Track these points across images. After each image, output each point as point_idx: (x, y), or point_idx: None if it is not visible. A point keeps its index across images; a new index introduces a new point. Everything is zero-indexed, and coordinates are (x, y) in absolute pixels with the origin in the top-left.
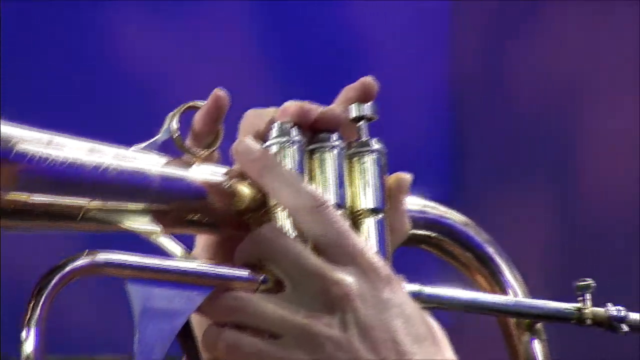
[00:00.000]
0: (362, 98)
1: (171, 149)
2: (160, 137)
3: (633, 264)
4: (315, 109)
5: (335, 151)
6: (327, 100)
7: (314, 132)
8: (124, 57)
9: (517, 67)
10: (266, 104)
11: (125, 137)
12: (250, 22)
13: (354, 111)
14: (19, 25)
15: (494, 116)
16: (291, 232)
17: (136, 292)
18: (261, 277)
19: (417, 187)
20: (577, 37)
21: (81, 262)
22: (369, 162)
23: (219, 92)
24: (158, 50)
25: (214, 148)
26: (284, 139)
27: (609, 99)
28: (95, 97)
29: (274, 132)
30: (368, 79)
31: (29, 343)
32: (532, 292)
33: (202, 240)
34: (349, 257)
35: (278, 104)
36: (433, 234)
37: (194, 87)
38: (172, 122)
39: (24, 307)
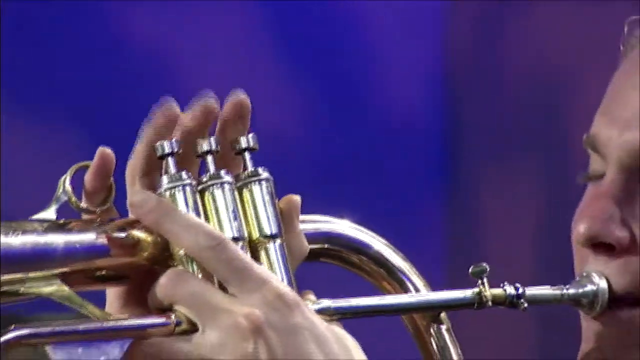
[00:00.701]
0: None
1: (69, 210)
2: (55, 201)
3: None
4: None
5: (226, 186)
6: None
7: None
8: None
9: (511, 54)
10: (267, 98)
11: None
12: (251, 20)
13: (240, 143)
14: (20, 18)
15: (487, 103)
16: (196, 273)
17: (60, 356)
18: (175, 320)
19: (414, 176)
20: (569, 24)
21: (4, 338)
22: (259, 192)
23: (104, 150)
24: (163, 48)
25: (109, 203)
26: (176, 184)
27: (600, 84)
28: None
29: (165, 179)
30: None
31: None
32: (524, 275)
33: (113, 293)
34: (253, 288)
35: (278, 99)
36: (330, 246)
37: (202, 84)
38: (66, 185)
39: None
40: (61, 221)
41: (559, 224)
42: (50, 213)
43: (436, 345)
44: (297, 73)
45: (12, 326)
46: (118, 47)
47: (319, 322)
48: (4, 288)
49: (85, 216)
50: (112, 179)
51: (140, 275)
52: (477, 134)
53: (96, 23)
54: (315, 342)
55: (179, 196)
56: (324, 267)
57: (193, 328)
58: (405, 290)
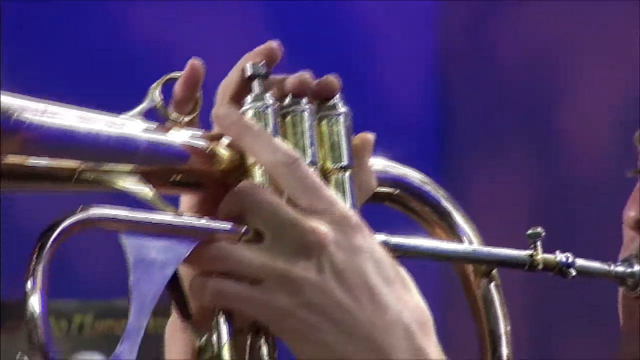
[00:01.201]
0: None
1: (155, 117)
2: (144, 106)
3: (607, 222)
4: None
5: (306, 114)
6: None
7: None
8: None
9: (502, 39)
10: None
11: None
12: (249, 17)
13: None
14: (20, 17)
15: (479, 98)
16: (268, 187)
17: (130, 244)
18: (243, 229)
19: (408, 152)
20: (559, 21)
21: (77, 217)
22: (337, 124)
23: (194, 61)
24: (164, 47)
25: (195, 114)
26: (259, 104)
27: (583, 68)
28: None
29: (249, 97)
30: (272, 44)
31: (34, 297)
32: (511, 245)
33: (186, 200)
34: (322, 208)
35: None
36: (396, 191)
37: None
38: (155, 92)
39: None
40: (147, 123)
41: (550, 216)
42: (136, 116)
43: (483, 299)
44: (294, 69)
45: (80, 207)
46: (119, 47)
47: (379, 247)
48: (88, 175)
49: (169, 123)
50: (200, 92)
51: (214, 186)
52: (469, 129)
53: (96, 22)
54: (374, 264)
55: (261, 115)
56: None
57: (259, 238)
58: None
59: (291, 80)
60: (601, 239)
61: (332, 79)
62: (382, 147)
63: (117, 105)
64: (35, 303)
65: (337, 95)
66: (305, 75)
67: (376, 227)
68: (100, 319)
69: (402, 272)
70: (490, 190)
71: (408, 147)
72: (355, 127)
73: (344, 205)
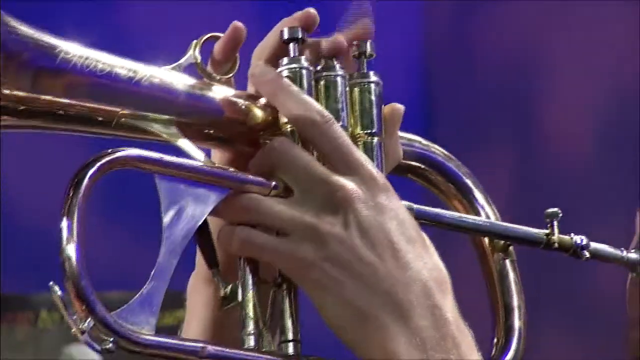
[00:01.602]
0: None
1: (194, 73)
2: (183, 61)
3: (586, 214)
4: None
5: (339, 79)
6: None
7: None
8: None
9: (485, 36)
10: None
11: None
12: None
13: (361, 47)
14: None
15: (461, 81)
16: (300, 145)
17: (163, 186)
18: (273, 183)
19: None
20: (539, 7)
21: (116, 155)
22: (368, 92)
23: (237, 24)
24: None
25: (232, 74)
26: (294, 65)
27: (563, 65)
28: None
29: (285, 59)
30: (310, 10)
31: (68, 233)
32: None
33: (218, 155)
34: (351, 167)
35: None
36: (420, 165)
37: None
38: (195, 50)
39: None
40: (185, 76)
41: (528, 207)
42: (176, 70)
43: (498, 274)
44: None
45: (114, 150)
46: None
47: (403, 209)
48: (127, 121)
49: (207, 80)
50: (238, 53)
51: (246, 143)
52: (453, 124)
53: (93, 21)
54: (397, 223)
55: (297, 76)
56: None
57: (288, 193)
58: None
59: (326, 42)
60: (577, 230)
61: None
62: None
63: None
64: (71, 244)
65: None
66: (340, 38)
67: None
68: None
69: (423, 233)
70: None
71: None
72: None
73: (373, 166)
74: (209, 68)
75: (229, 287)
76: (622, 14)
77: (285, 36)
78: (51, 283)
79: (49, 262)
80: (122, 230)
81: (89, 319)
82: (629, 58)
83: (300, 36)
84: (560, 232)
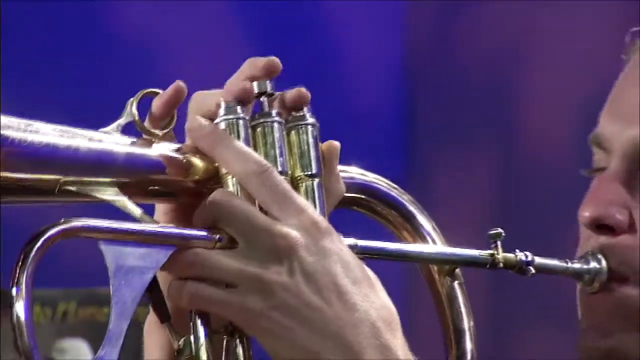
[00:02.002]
0: (267, 76)
1: (133, 130)
2: (122, 120)
3: (565, 215)
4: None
5: (276, 125)
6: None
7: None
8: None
9: (466, 38)
10: None
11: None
12: (226, 14)
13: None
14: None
15: (443, 83)
16: (241, 196)
17: (110, 252)
18: (217, 236)
19: (375, 148)
20: (519, 9)
21: (59, 228)
22: (306, 134)
23: (180, 83)
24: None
25: (170, 128)
26: (231, 117)
27: (544, 66)
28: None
29: (222, 110)
30: (274, 59)
31: (18, 304)
32: (475, 239)
33: (162, 209)
34: (292, 214)
35: None
36: (363, 196)
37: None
38: (133, 107)
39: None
40: (124, 137)
41: (510, 212)
42: (114, 130)
43: (447, 297)
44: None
45: (62, 220)
46: (102, 48)
47: (347, 250)
48: (69, 188)
49: (146, 137)
50: (176, 109)
51: (189, 195)
52: (434, 126)
53: (86, 20)
54: (342, 266)
55: (233, 127)
56: (353, 218)
57: (233, 245)
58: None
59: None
60: (559, 236)
61: (303, 91)
62: (351, 144)
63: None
64: (20, 310)
65: (305, 108)
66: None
67: (346, 230)
68: (83, 306)
69: (369, 272)
70: (453, 184)
71: (375, 143)
72: (326, 124)
73: (314, 211)
74: (147, 124)
75: (182, 339)
76: (601, 15)
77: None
78: None
79: (43, 260)
80: None
81: None
82: (607, 59)
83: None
84: (506, 251)
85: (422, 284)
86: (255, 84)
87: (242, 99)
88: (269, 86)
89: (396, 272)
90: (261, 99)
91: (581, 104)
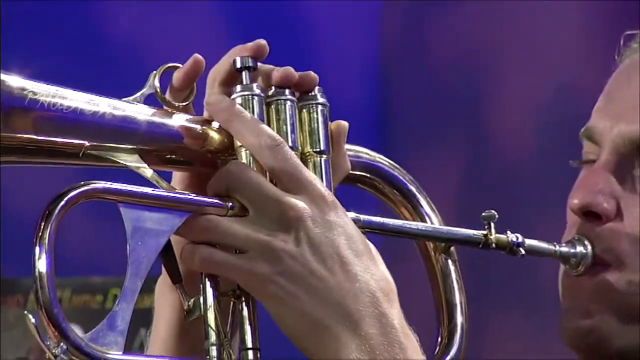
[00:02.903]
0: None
1: (154, 101)
2: (145, 91)
3: (531, 201)
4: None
5: (289, 103)
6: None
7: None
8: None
9: (436, 39)
10: None
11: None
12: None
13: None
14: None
15: (417, 81)
16: (253, 167)
17: (128, 214)
18: (229, 204)
19: (349, 143)
20: (487, 11)
21: (82, 189)
22: (316, 113)
23: (198, 56)
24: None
25: (189, 101)
26: (247, 93)
27: (511, 64)
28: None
29: (238, 87)
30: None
31: (41, 259)
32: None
33: (178, 176)
34: (301, 187)
35: None
36: (367, 175)
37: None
38: (155, 79)
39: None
40: (146, 107)
41: (478, 201)
42: (137, 100)
43: (442, 272)
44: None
45: (83, 182)
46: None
47: (351, 223)
48: (93, 152)
49: (166, 108)
50: (195, 83)
51: (204, 164)
52: (407, 122)
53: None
54: (346, 238)
55: (249, 103)
56: (355, 195)
57: (244, 213)
58: (424, 222)
59: (277, 72)
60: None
61: (313, 74)
62: None
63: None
64: (42, 265)
65: (317, 88)
66: (290, 69)
67: (348, 206)
68: (77, 294)
69: (371, 246)
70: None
71: (351, 139)
72: None
73: (321, 184)
74: (167, 96)
75: (192, 300)
76: (566, 19)
77: (238, 65)
78: (25, 312)
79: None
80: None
81: (62, 343)
82: (570, 61)
83: (251, 65)
84: (498, 232)
85: (408, 262)
86: (238, 58)
87: (255, 53)
88: (251, 61)
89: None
90: (242, 74)
91: (543, 101)
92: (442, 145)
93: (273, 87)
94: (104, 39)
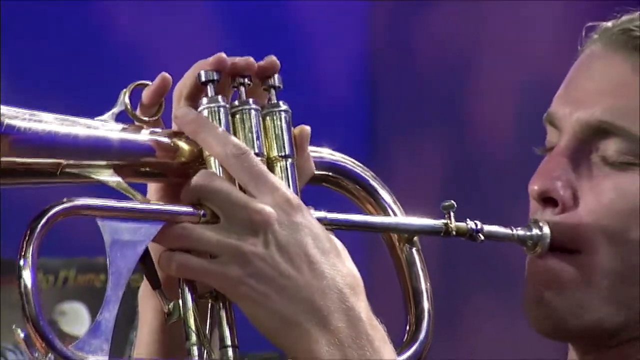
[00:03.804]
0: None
1: (125, 118)
2: (115, 110)
3: (510, 189)
4: (229, 59)
5: (253, 112)
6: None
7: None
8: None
9: (421, 38)
10: None
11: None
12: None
13: (269, 81)
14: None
15: (402, 79)
16: (222, 176)
17: (106, 228)
18: (202, 212)
19: (341, 138)
20: (468, 12)
21: (62, 206)
22: (279, 120)
23: (166, 74)
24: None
25: (158, 116)
26: (213, 105)
27: (489, 65)
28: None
29: (204, 100)
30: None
31: (26, 275)
32: (429, 213)
33: (153, 187)
34: (267, 192)
35: None
36: (331, 174)
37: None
38: (125, 97)
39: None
40: (118, 124)
41: (461, 189)
42: (109, 118)
43: (406, 261)
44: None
45: (65, 199)
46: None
47: (317, 224)
48: (70, 170)
49: (137, 124)
50: (163, 98)
51: (176, 175)
52: (394, 116)
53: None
54: (312, 238)
55: (215, 114)
56: (323, 193)
57: (215, 220)
58: (387, 215)
59: (239, 61)
60: (500, 209)
61: (273, 59)
62: (320, 134)
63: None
64: (27, 279)
65: (280, 101)
66: (250, 58)
67: (316, 205)
68: (82, 273)
69: (337, 243)
70: (410, 167)
71: (341, 133)
72: (294, 116)
73: (287, 189)
74: (138, 112)
75: (172, 304)
76: (540, 18)
77: (203, 79)
78: (14, 326)
79: (47, 233)
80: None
81: (49, 354)
82: (544, 56)
83: (216, 78)
84: (458, 220)
85: (381, 253)
86: (202, 72)
87: (219, 67)
88: (215, 75)
89: (357, 241)
90: (207, 87)
91: (519, 94)
92: (426, 137)
93: (237, 99)
94: (104, 39)
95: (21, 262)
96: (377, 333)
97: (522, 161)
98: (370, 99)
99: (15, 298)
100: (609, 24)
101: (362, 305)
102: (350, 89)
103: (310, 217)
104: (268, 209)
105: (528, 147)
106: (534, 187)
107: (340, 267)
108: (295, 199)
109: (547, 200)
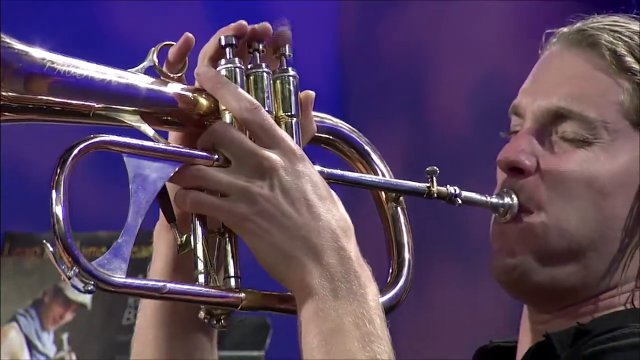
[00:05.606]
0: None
1: (153, 73)
2: (145, 64)
3: (465, 166)
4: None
5: (265, 74)
6: None
7: (251, 53)
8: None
9: (388, 34)
10: None
11: None
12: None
13: (281, 49)
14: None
15: (370, 70)
16: (235, 126)
17: (130, 163)
18: (215, 156)
19: None
20: (430, 12)
21: (92, 140)
22: (288, 83)
23: (189, 35)
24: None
25: (182, 73)
26: (230, 65)
27: (447, 58)
28: None
29: (223, 60)
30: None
31: (57, 200)
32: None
33: (173, 135)
34: (275, 142)
35: None
36: (330, 137)
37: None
38: (153, 55)
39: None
40: (146, 76)
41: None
42: (139, 71)
43: (392, 217)
44: None
45: (92, 135)
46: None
47: (317, 173)
48: (101, 113)
49: (163, 79)
50: (187, 57)
51: (195, 125)
52: (363, 104)
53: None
54: (312, 185)
55: (232, 74)
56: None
57: (227, 164)
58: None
59: (258, 27)
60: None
61: (286, 30)
62: None
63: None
64: (58, 205)
65: (289, 67)
66: (267, 24)
67: (315, 162)
68: (85, 246)
69: (332, 192)
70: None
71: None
72: None
73: (292, 141)
74: (164, 69)
75: (184, 237)
76: (493, 18)
77: (223, 42)
78: (44, 241)
79: (44, 210)
80: (110, 178)
81: (74, 267)
82: (496, 52)
83: (234, 42)
84: (439, 185)
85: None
86: (222, 37)
87: (238, 33)
88: (233, 39)
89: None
90: (226, 50)
91: (473, 85)
92: (391, 122)
93: (251, 62)
94: (104, 38)
95: (53, 194)
96: (364, 272)
97: (476, 141)
98: (342, 89)
99: (25, 268)
100: (565, 29)
101: (351, 247)
102: (324, 80)
103: (311, 167)
104: (275, 156)
105: (481, 129)
106: (502, 158)
107: (335, 212)
108: (299, 150)
109: (514, 169)
